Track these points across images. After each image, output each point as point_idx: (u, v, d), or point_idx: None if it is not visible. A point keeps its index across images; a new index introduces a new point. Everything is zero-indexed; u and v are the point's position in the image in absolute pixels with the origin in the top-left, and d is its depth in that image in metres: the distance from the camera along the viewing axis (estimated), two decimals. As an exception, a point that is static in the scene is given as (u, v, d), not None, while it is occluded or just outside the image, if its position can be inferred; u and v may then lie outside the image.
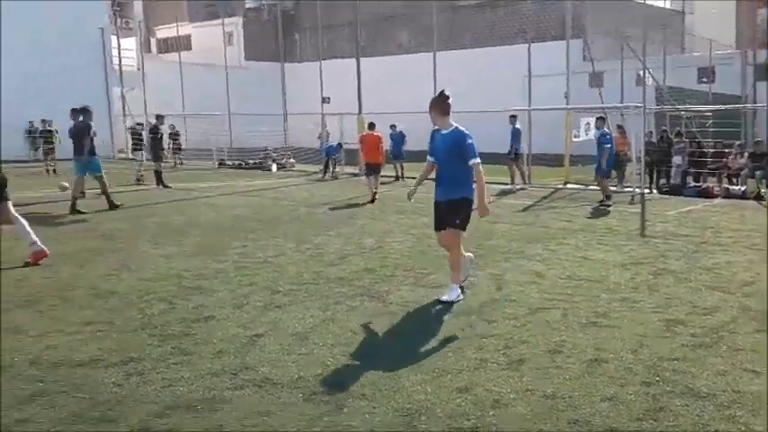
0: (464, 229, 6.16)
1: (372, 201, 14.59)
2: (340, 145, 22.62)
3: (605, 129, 14.56)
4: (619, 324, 5.37)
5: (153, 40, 47.02)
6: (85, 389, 3.97)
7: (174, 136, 27.20)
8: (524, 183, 18.53)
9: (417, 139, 20.20)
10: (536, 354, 4.65)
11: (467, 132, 6.03)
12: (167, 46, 44.02)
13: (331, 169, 22.21)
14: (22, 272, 7.17)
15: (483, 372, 4.30)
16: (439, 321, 5.44)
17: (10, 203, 7.55)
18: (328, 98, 27.14)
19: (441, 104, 6.08)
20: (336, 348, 4.73)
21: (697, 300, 6.15)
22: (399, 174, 20.38)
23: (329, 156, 22.28)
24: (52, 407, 3.72)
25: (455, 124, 6.12)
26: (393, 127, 20.50)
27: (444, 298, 5.98)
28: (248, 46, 42.59)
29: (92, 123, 12.94)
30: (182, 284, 6.61)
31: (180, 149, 27.33)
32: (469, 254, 6.49)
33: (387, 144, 18.78)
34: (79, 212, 11.98)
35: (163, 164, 18.50)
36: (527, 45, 21.74)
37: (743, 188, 16.44)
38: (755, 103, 23.54)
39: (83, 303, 5.89)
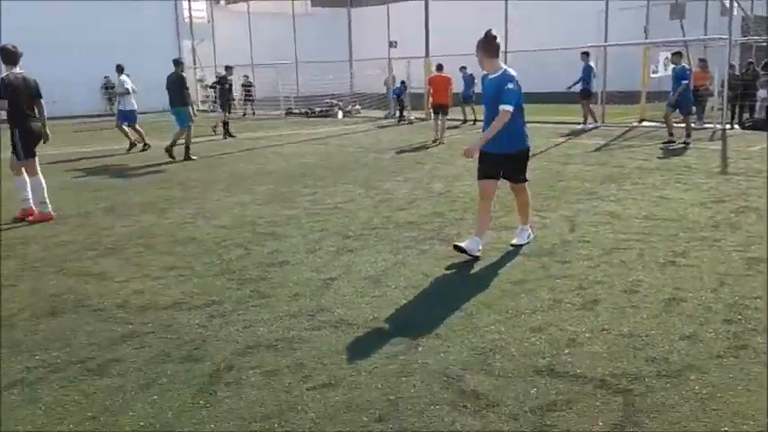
0: (526, 179, 5.95)
1: (435, 141, 14.59)
2: (403, 83, 22.42)
3: (684, 64, 13.82)
4: (698, 263, 5.22)
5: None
6: (172, 330, 4.19)
7: (248, 86, 27.61)
8: (596, 122, 17.94)
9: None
10: (611, 294, 4.59)
11: (513, 75, 5.43)
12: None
13: (399, 114, 22.11)
14: (107, 220, 7.52)
15: (557, 312, 4.29)
16: (511, 263, 5.42)
17: (37, 159, 7.69)
18: (395, 42, 26.79)
19: (487, 45, 5.51)
20: (409, 291, 4.80)
21: (783, 237, 5.89)
22: (469, 116, 20.13)
23: (398, 97, 22.18)
24: (142, 347, 3.94)
25: (504, 67, 5.57)
26: (463, 69, 20.07)
27: (514, 241, 5.94)
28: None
29: (185, 75, 13.59)
30: (256, 231, 6.80)
31: (252, 100, 27.76)
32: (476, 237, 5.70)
33: (458, 87, 18.64)
34: (190, 159, 12.92)
35: (231, 114, 18.85)
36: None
37: (836, 121, 15.42)
38: None
39: (164, 250, 6.16)
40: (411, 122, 21.28)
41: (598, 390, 3.24)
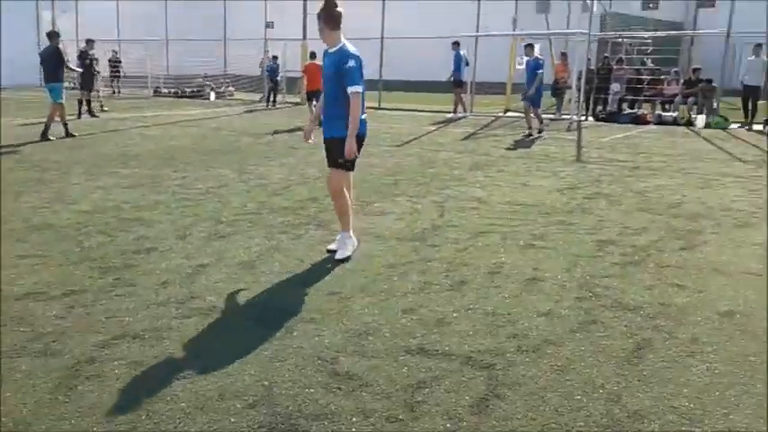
0: (350, 168, 5.15)
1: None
2: (275, 59, 22.09)
3: (537, 56, 14.18)
4: (554, 245, 5.59)
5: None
6: (26, 322, 3.92)
7: (115, 63, 26.02)
8: (465, 111, 18.60)
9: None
10: (477, 275, 4.82)
11: (353, 52, 4.85)
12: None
13: (273, 96, 21.74)
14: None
15: (427, 293, 4.44)
16: (383, 247, 5.54)
17: None
18: (272, 23, 26.30)
19: (328, 16, 4.94)
20: (283, 276, 4.78)
21: (627, 221, 6.44)
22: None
23: (271, 77, 21.73)
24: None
25: (343, 41, 4.94)
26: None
27: (338, 256, 5.16)
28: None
29: (60, 47, 12.78)
30: (120, 216, 6.48)
31: (119, 77, 26.23)
32: (350, 236, 5.33)
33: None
34: (47, 139, 12.11)
35: (98, 92, 17.78)
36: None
37: (675, 114, 16.98)
38: (696, 29, 23.96)
39: (17, 237, 5.73)
40: (275, 105, 20.98)
41: (464, 366, 3.41)
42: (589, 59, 19.01)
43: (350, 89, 4.81)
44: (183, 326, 3.90)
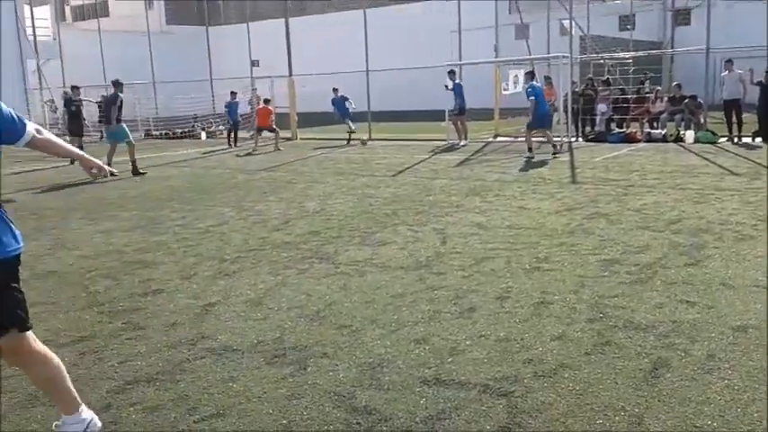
0: (26, 327, 2.96)
1: (254, 150, 17.69)
2: (234, 94, 22.02)
3: (532, 82, 14.80)
4: (559, 267, 5.61)
5: (68, 9, 44.64)
6: (38, 371, 3.88)
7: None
8: (465, 139, 18.63)
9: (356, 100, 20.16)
10: (485, 301, 4.82)
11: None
12: (83, 13, 41.91)
13: (230, 134, 21.15)
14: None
15: (437, 322, 4.44)
16: (389, 277, 5.54)
17: None
18: (257, 61, 26.58)
19: None
20: (292, 311, 4.77)
21: (629, 239, 6.47)
22: (349, 135, 19.90)
23: (231, 117, 21.24)
24: (4, 393, 3.62)
25: None
26: (335, 91, 20.10)
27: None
28: (169, 9, 41.00)
29: (120, 94, 14.25)
30: (123, 260, 6.46)
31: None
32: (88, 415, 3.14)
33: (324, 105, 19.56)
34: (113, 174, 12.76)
35: (84, 137, 17.85)
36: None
37: (663, 131, 17.18)
38: (673, 48, 24.39)
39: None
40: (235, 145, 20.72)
41: (482, 395, 3.39)
42: (575, 82, 19.27)
43: (24, 136, 2.91)
44: (197, 367, 3.87)
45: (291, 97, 22.38)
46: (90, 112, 21.49)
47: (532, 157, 13.98)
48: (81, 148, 16.82)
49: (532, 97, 14.23)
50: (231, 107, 21.34)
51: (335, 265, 5.97)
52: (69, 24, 41.46)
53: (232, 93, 21.95)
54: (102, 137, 25.19)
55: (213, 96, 27.36)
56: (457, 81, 18.48)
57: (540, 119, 14.57)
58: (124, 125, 14.30)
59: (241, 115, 25.59)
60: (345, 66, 22.45)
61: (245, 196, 10.22)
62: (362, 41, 21.44)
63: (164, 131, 25.91)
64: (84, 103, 18.37)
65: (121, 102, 14.17)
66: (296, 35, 23.32)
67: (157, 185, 11.95)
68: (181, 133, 25.20)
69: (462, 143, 18.13)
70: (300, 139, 22.34)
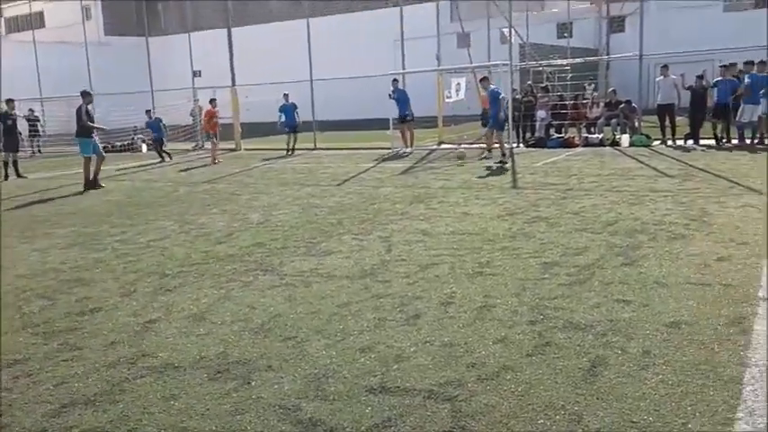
0: None
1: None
2: (147, 112, 21.71)
3: (493, 86, 15.06)
4: (502, 271, 5.71)
5: (2, 20, 43.08)
6: (-32, 398, 3.72)
7: (33, 121, 25.27)
8: (411, 146, 18.68)
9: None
10: (430, 307, 4.86)
11: None
12: (18, 25, 40.51)
13: (158, 150, 20.47)
14: None
15: (383, 330, 4.45)
16: (334, 287, 5.52)
17: None
18: (199, 71, 26.21)
19: None
20: (236, 325, 4.71)
21: (568, 242, 6.64)
22: (292, 146, 19.67)
23: (155, 133, 20.77)
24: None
25: None
26: (286, 96, 19.83)
27: None
28: (108, 20, 40.00)
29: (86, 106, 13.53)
30: (60, 278, 6.27)
31: (38, 136, 25.47)
32: None
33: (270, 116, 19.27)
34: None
35: (20, 153, 17.26)
36: (398, 8, 21.83)
37: (600, 136, 17.69)
38: (609, 54, 25.17)
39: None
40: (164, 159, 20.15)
41: (427, 400, 3.42)
42: (514, 89, 19.67)
43: None
44: (137, 386, 3.78)
45: (235, 108, 22.15)
46: (23, 126, 20.76)
47: (506, 162, 14.04)
48: (15, 163, 16.34)
49: (502, 95, 14.64)
50: (151, 125, 21.12)
51: (280, 276, 5.93)
52: (2, 36, 40.03)
53: (147, 111, 21.78)
54: (33, 152, 24.46)
55: (154, 108, 26.79)
56: (401, 88, 18.63)
57: (503, 121, 14.84)
58: (93, 138, 13.79)
59: (183, 126, 25.20)
60: (289, 75, 22.37)
61: (187, 209, 10.05)
62: (306, 51, 21.40)
63: (102, 145, 25.22)
64: (18, 117, 17.70)
65: (87, 112, 13.56)
66: (239, 45, 23.11)
67: (96, 200, 11.63)
68: (120, 146, 24.60)
69: (408, 150, 18.25)
70: (245, 149, 22.10)
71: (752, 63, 15.35)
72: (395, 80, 18.89)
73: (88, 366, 4.10)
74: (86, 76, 27.38)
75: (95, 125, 13.88)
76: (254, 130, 24.50)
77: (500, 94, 14.66)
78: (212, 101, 19.14)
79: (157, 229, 8.48)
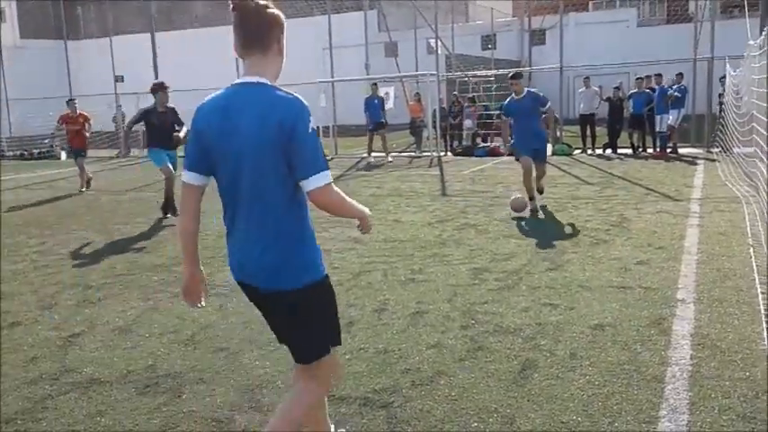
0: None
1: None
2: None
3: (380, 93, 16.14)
4: (433, 278, 5.79)
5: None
6: None
7: None
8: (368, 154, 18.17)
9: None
10: (364, 314, 4.88)
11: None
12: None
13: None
14: None
15: (316, 339, 4.42)
16: (266, 296, 5.45)
17: None
18: (122, 77, 25.37)
19: None
20: (165, 337, 4.59)
21: (497, 248, 6.80)
22: None
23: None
24: None
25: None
26: None
27: None
28: (24, 23, 38.12)
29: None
30: (-27, 292, 5.94)
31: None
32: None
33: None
34: None
35: None
36: (326, 16, 21.79)
37: (525, 145, 18.19)
38: (531, 66, 25.95)
39: None
40: None
41: (362, 408, 3.43)
42: (441, 99, 20.00)
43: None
44: (61, 403, 3.63)
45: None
46: None
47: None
48: None
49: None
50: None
51: (211, 285, 5.79)
52: None
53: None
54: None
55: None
56: (378, 95, 17.85)
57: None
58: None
59: (106, 133, 24.36)
60: (216, 82, 21.94)
61: (111, 218, 9.71)
62: (232, 58, 21.08)
63: (19, 152, 24.10)
64: None
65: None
66: (163, 50, 22.53)
67: (11, 211, 11.07)
68: (38, 154, 23.54)
69: (390, 160, 17.61)
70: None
71: (660, 75, 16.18)
72: (374, 84, 18.27)
73: (8, 384, 3.90)
74: (1, 81, 26.12)
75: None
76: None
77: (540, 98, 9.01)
78: (70, 102, 14.46)
79: (79, 240, 8.16)
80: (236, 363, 4.08)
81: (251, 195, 2.46)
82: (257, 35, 2.46)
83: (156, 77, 21.61)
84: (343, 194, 2.54)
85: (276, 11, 2.48)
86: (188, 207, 2.65)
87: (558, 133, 18.01)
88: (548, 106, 8.76)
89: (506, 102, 9.01)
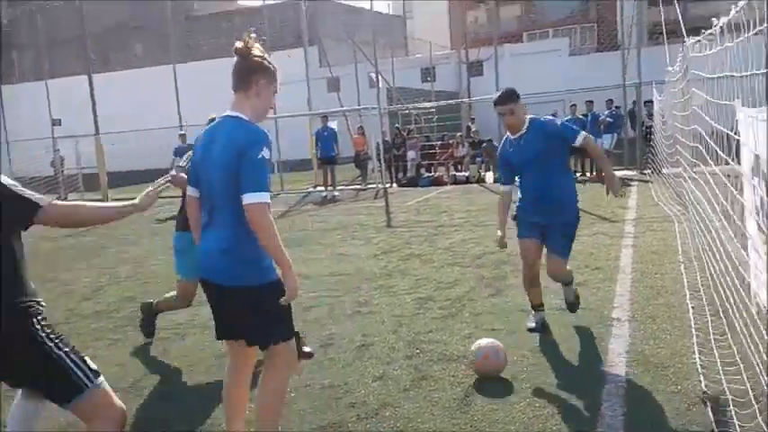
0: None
1: None
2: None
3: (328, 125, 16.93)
4: (379, 310, 5.84)
5: None
6: None
7: None
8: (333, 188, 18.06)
9: (153, 156, 19.36)
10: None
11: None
12: None
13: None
14: None
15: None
16: (212, 337, 5.39)
17: None
18: (59, 120, 24.82)
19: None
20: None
21: (441, 276, 6.91)
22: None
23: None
24: None
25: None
26: (182, 137, 18.76)
27: None
28: (-47, 66, 37.03)
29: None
30: None
31: None
32: None
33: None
34: None
35: None
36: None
37: (467, 174, 18.58)
38: (470, 96, 26.60)
39: None
40: None
41: (309, 444, 3.43)
42: (384, 131, 20.27)
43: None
44: (-5, 462, 3.50)
45: (99, 157, 21.14)
46: None
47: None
48: None
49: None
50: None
51: (158, 329, 5.71)
52: None
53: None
54: None
55: (10, 161, 25.00)
56: (328, 126, 17.82)
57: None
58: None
59: (44, 178, 23.73)
60: (157, 122, 21.76)
61: (48, 265, 9.44)
62: (174, 96, 20.96)
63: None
64: None
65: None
66: (101, 91, 22.19)
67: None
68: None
69: (337, 193, 17.55)
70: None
71: (591, 102, 16.86)
72: (324, 116, 18.33)
73: (-64, 445, 3.74)
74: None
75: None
76: (124, 178, 23.47)
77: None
78: None
79: (14, 290, 7.90)
80: (182, 407, 4.03)
81: (217, 207, 2.98)
82: (240, 77, 2.99)
83: (96, 120, 21.28)
84: (275, 229, 2.92)
85: (260, 58, 2.98)
86: (195, 216, 3.23)
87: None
88: (581, 138, 4.88)
89: (500, 147, 5.33)
